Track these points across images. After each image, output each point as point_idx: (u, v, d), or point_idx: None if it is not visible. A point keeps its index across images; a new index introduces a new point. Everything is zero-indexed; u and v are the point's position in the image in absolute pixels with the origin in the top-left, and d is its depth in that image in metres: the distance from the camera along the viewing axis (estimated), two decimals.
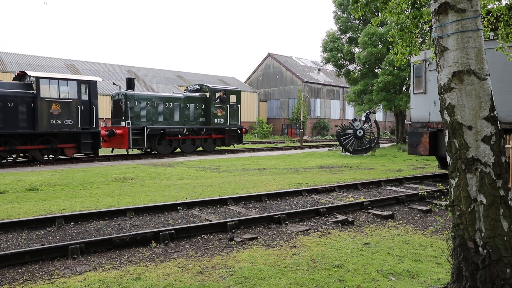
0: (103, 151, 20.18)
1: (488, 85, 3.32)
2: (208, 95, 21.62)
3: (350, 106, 31.27)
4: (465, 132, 3.31)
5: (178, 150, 20.85)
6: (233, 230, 6.05)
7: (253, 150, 24.38)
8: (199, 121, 21.28)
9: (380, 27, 23.25)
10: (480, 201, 3.25)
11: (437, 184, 10.71)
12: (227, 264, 4.70)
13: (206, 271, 4.47)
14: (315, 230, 6.21)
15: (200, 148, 21.57)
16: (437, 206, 8.08)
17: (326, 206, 7.42)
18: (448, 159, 3.48)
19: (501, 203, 3.22)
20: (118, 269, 4.58)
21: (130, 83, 19.71)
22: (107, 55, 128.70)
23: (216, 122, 21.42)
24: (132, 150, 19.58)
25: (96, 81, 16.70)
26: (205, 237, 5.83)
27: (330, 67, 31.86)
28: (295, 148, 26.47)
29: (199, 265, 4.67)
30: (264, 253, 5.10)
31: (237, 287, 4.02)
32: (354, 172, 13.63)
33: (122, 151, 20.26)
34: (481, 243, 3.23)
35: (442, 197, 8.93)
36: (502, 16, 6.20)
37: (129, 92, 19.17)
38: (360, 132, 21.08)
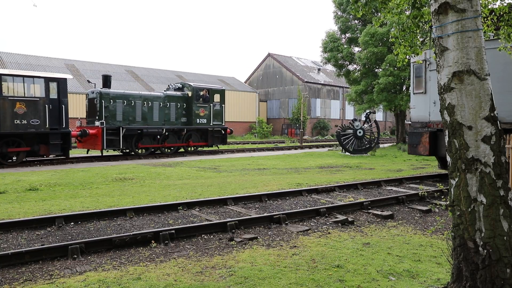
0: (83, 152, 19.88)
1: (488, 85, 3.31)
2: (190, 94, 20.80)
3: (350, 106, 31.27)
4: (465, 132, 3.31)
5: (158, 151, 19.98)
6: (233, 230, 6.05)
7: (253, 150, 24.37)
8: (180, 121, 20.42)
9: (379, 27, 23.26)
10: (480, 201, 3.25)
11: (437, 184, 10.71)
12: (227, 264, 4.70)
13: (206, 271, 4.47)
14: (315, 230, 6.21)
15: (182, 150, 20.93)
16: (437, 206, 8.08)
17: (326, 206, 7.42)
18: (448, 159, 3.48)
19: (501, 203, 3.22)
20: (118, 269, 4.58)
21: (106, 81, 18.70)
22: (107, 55, 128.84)
23: (198, 122, 20.73)
24: (107, 151, 18.95)
25: (65, 78, 15.90)
26: (205, 237, 5.83)
27: (330, 67, 31.87)
28: (295, 148, 26.47)
29: (199, 265, 4.67)
30: (264, 253, 5.10)
31: (237, 287, 4.02)
32: (354, 172, 13.63)
33: (98, 152, 19.27)
34: (481, 243, 3.23)
35: (442, 197, 8.93)
36: (504, 15, 6.19)
37: (104, 90, 18.24)
38: (360, 132, 21.09)
